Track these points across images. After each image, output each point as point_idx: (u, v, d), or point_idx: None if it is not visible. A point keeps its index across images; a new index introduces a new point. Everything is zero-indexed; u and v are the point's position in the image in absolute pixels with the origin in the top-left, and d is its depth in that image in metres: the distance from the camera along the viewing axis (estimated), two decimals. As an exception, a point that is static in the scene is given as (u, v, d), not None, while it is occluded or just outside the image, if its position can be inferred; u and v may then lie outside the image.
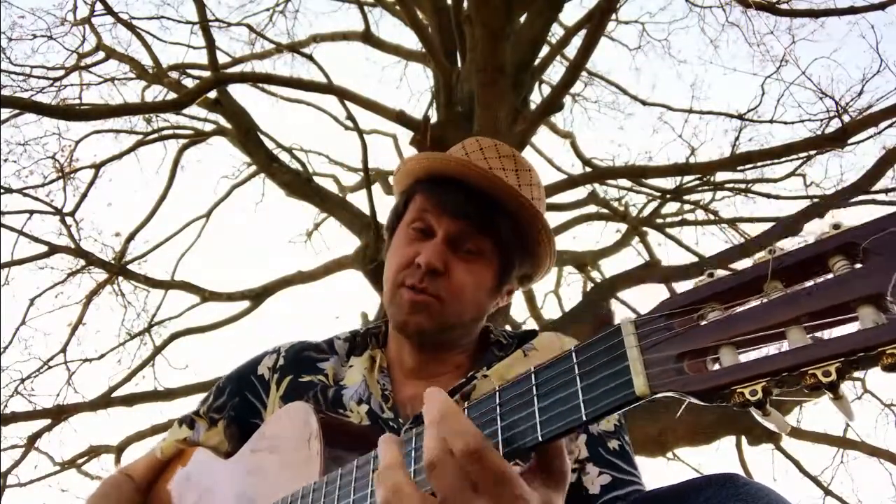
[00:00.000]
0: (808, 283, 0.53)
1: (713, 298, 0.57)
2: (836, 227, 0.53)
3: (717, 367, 0.55)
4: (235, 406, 1.19)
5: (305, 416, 0.95)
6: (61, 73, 6.96)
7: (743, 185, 6.99)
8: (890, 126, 5.14)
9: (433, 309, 1.05)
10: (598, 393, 0.60)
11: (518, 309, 7.14)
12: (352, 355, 1.18)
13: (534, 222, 1.09)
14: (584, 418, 0.60)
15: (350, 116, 7.08)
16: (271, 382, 1.17)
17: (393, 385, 1.12)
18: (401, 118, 5.13)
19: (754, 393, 0.51)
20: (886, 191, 5.47)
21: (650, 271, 5.69)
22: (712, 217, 7.35)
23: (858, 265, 0.51)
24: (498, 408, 0.67)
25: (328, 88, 5.49)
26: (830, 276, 0.52)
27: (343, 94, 5.44)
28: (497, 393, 0.68)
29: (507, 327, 1.22)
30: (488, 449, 0.59)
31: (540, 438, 0.62)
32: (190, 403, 4.17)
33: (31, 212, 6.48)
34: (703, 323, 0.57)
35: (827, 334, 0.51)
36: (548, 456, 0.66)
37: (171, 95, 6.10)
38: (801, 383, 0.50)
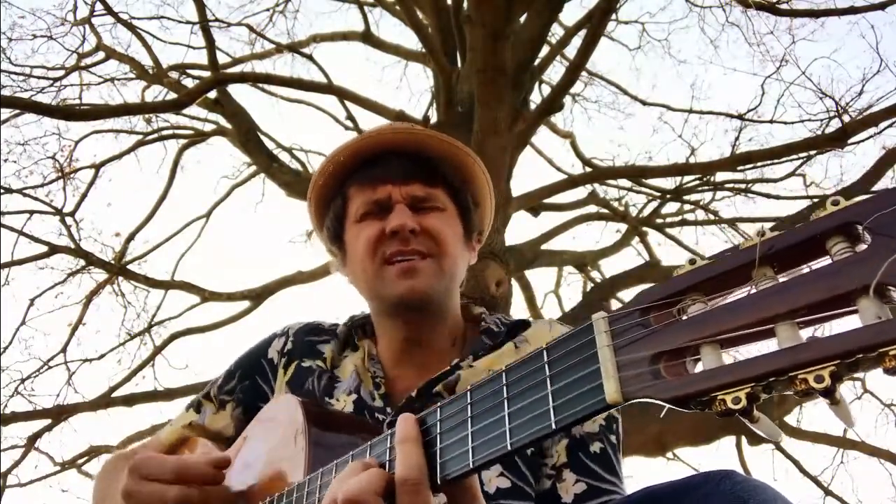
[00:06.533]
0: (802, 271, 0.46)
1: (695, 289, 0.50)
2: (834, 203, 0.45)
3: (697, 369, 0.49)
4: (245, 389, 1.18)
5: (293, 411, 0.95)
6: (61, 73, 6.98)
7: (743, 185, 7.00)
8: (890, 126, 5.14)
9: (426, 270, 1.05)
10: (568, 398, 0.55)
11: (518, 309, 7.14)
12: (346, 348, 1.18)
13: (467, 160, 1.14)
14: (554, 427, 0.55)
15: (350, 116, 7.10)
16: (279, 366, 1.17)
17: (385, 375, 1.11)
18: (401, 118, 5.14)
19: (737, 401, 0.45)
20: (887, 191, 5.47)
21: (650, 271, 5.69)
22: (712, 217, 7.35)
23: (862, 247, 0.44)
24: (469, 408, 0.64)
25: (328, 88, 5.50)
26: (828, 261, 0.45)
27: (343, 94, 5.45)
28: (469, 393, 0.65)
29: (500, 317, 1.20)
30: (424, 485, 0.65)
31: (509, 448, 0.59)
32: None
33: (31, 212, 6.51)
34: (684, 318, 0.50)
35: (823, 331, 0.44)
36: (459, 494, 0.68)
37: (171, 95, 6.11)
38: (791, 389, 0.44)
